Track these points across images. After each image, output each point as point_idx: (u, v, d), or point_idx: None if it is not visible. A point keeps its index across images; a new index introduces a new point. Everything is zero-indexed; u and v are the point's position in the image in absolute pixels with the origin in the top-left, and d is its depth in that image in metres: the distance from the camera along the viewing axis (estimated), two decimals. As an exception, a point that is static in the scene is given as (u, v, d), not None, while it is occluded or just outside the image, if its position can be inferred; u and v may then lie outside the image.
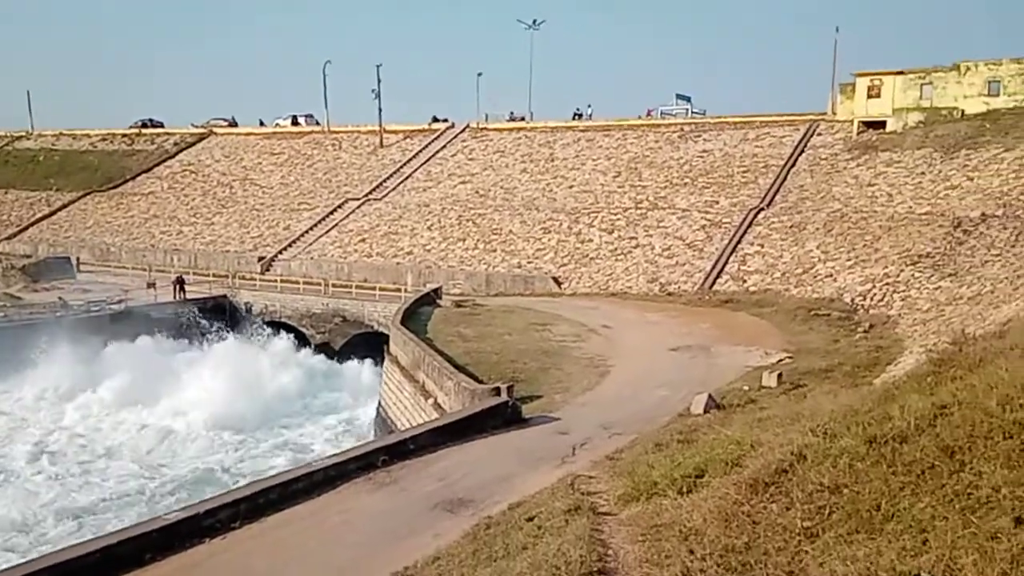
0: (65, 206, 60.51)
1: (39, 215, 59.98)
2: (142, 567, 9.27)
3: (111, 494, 23.15)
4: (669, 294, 34.28)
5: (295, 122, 65.81)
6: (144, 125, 71.12)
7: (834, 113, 45.11)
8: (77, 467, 25.87)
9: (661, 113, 54.48)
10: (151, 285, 40.58)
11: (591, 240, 40.32)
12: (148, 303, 38.70)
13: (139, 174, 62.56)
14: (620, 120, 52.35)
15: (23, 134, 75.47)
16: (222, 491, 13.97)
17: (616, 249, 39.16)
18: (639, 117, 54.09)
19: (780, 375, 17.65)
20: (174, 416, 29.42)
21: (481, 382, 18.20)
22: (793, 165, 42.07)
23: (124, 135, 69.82)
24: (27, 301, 39.66)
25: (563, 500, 9.63)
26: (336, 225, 48.23)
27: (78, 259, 50.20)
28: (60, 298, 38.97)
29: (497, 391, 16.28)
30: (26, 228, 58.41)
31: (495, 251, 41.71)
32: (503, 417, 15.57)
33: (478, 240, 42.95)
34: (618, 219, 41.35)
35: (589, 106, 58.40)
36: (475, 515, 10.50)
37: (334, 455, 13.60)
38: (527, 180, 48.15)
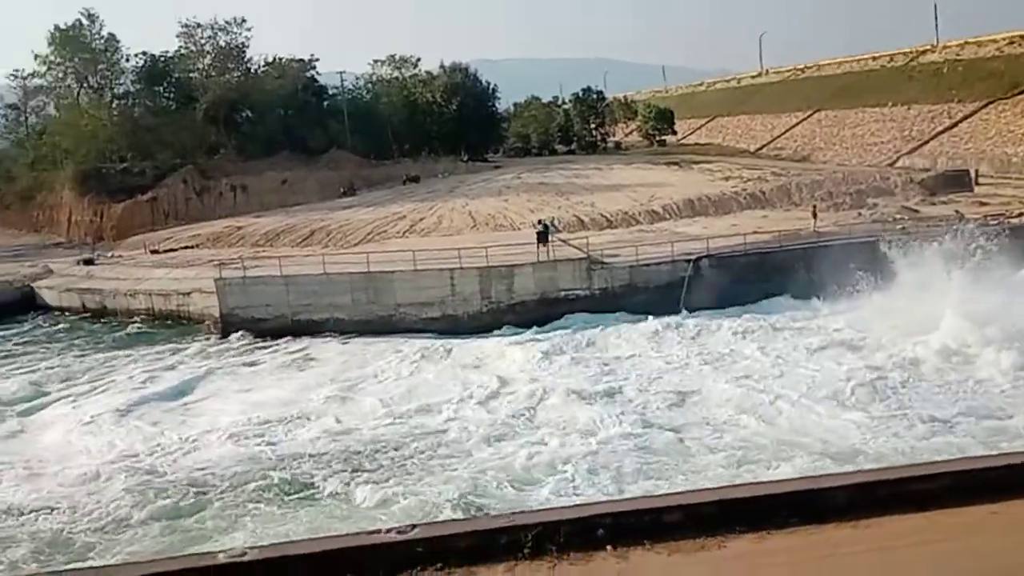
0: (966, 117, 59.21)
1: (939, 128, 60.22)
2: None
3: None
4: None
5: None
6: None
7: None
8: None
9: None
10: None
11: None
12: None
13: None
14: None
15: (927, 48, 76.49)
16: None
17: None
18: None
19: None
20: None
21: None
22: None
23: (1035, 34, 63.94)
24: (924, 214, 40.60)
25: None
26: None
27: (976, 171, 48.75)
28: (957, 211, 38.72)
29: None
30: (926, 142, 59.48)
31: None
32: None
33: None
34: None
35: None
36: None
37: None
38: None
